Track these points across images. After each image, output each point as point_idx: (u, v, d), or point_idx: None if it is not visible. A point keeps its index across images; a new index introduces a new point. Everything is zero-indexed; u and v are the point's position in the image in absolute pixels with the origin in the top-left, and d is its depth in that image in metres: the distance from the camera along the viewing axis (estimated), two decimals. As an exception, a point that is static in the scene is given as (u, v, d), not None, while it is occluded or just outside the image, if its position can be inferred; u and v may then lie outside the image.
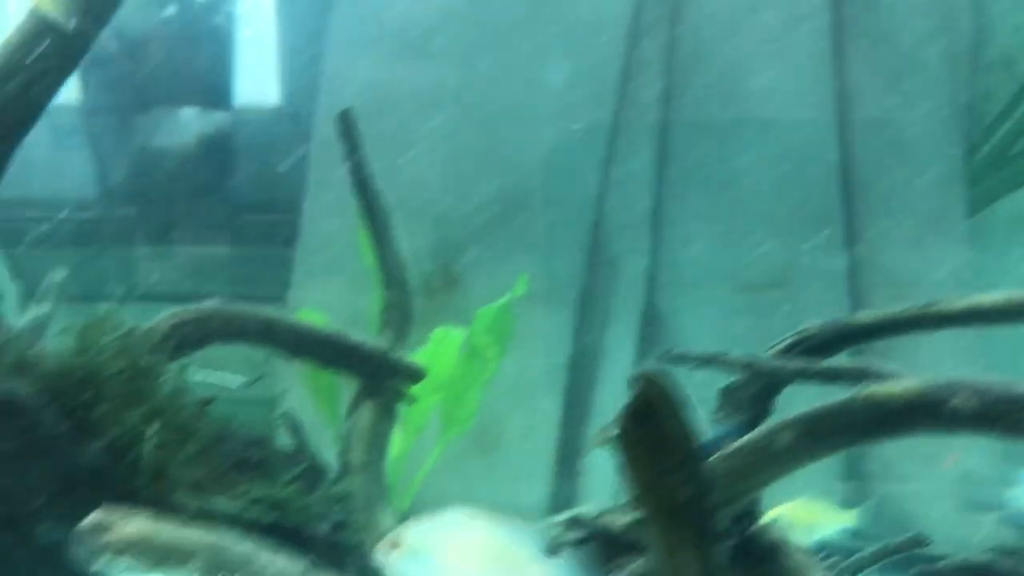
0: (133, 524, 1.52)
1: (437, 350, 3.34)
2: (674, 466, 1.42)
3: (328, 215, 4.54)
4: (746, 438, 1.68)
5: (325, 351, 3.04)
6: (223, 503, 2.20)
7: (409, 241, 3.38)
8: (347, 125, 3.33)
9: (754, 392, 2.03)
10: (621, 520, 2.39)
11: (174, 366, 2.33)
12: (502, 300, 3.48)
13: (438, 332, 3.34)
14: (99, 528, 1.50)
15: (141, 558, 1.44)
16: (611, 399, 4.47)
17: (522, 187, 4.28)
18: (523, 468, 4.21)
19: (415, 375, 3.10)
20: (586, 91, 4.31)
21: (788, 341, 2.15)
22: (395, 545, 1.75)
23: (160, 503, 2.20)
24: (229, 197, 5.91)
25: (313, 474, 2.53)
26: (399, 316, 3.33)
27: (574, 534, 2.42)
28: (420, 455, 3.67)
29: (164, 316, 2.57)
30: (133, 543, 1.46)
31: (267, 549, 1.71)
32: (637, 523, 2.37)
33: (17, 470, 2.10)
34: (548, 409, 4.29)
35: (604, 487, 4.50)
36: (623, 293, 4.39)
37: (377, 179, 3.33)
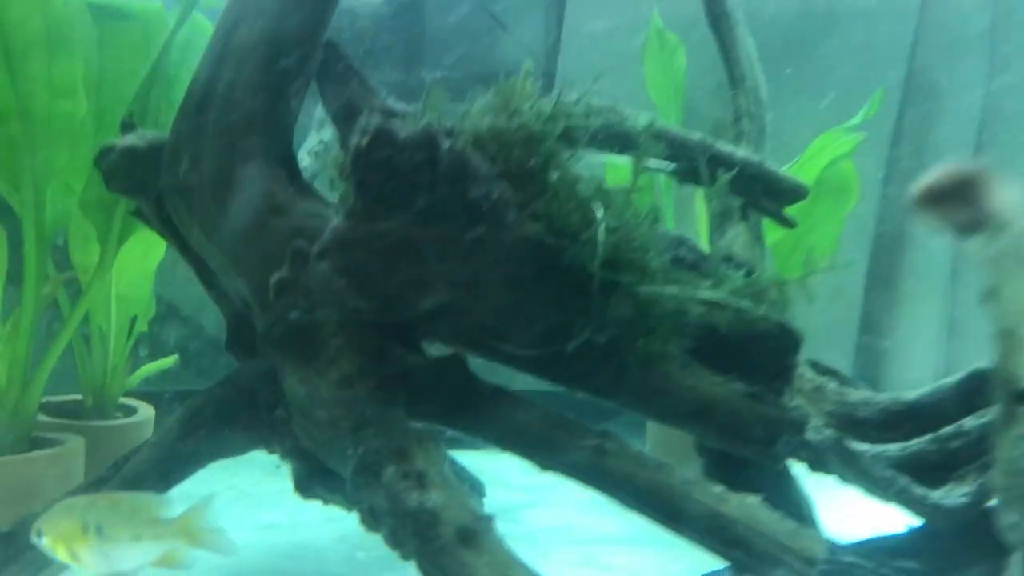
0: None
1: (807, 164, 2.82)
2: None
3: (584, 58, 4.04)
4: None
5: (691, 159, 2.58)
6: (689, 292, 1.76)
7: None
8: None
9: None
10: None
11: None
12: (855, 119, 2.94)
13: (821, 139, 2.81)
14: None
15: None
16: (924, 261, 3.92)
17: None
18: (824, 337, 3.68)
19: (795, 192, 2.61)
20: None
21: None
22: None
23: (612, 288, 1.79)
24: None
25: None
26: (755, 127, 2.85)
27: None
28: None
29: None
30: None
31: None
32: None
33: (466, 245, 1.69)
34: (852, 269, 3.77)
35: (910, 363, 3.99)
36: (948, 128, 3.80)
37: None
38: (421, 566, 1.62)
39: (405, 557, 1.81)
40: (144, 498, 1.72)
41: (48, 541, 1.59)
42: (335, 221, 1.74)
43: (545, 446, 1.84)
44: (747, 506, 1.71)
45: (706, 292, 1.73)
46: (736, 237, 2.58)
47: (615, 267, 1.77)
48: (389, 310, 1.76)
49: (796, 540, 1.67)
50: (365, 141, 1.62)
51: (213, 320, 3.98)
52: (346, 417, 1.77)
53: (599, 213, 1.76)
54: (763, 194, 2.55)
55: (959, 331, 3.94)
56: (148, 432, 2.94)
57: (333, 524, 2.85)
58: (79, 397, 2.98)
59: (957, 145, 3.77)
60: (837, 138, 2.86)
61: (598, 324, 1.77)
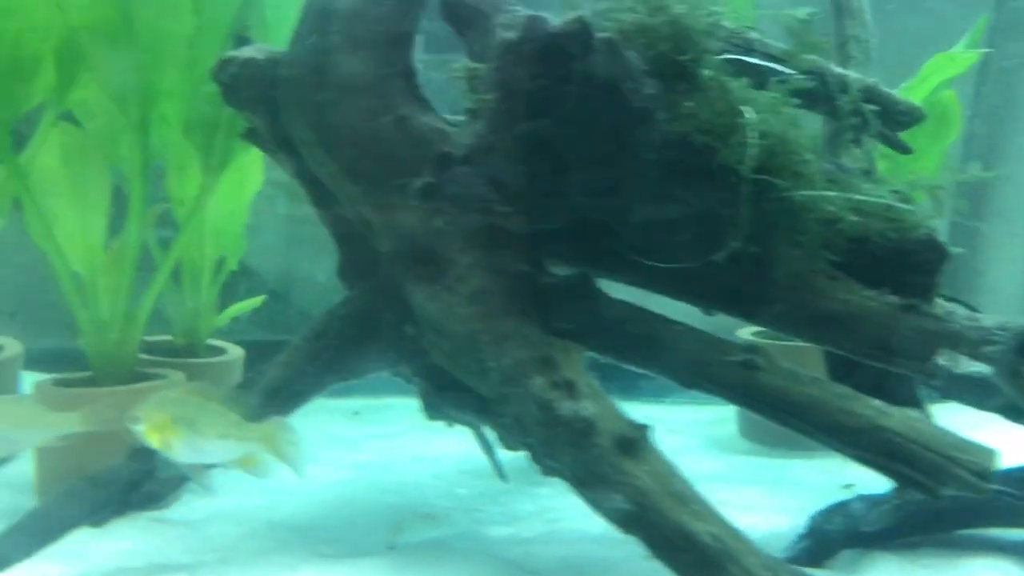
0: None
1: (917, 87, 2.70)
2: None
3: None
4: None
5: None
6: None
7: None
8: None
9: None
10: None
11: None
12: (957, 46, 2.80)
13: (933, 61, 2.68)
14: None
15: None
16: (1013, 202, 3.76)
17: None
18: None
19: (911, 115, 2.51)
20: None
21: None
22: None
23: (764, 194, 1.72)
24: None
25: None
26: (861, 49, 2.75)
27: None
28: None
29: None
30: None
31: None
32: None
33: (613, 146, 1.61)
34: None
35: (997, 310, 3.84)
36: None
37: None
38: (576, 475, 1.56)
39: (548, 472, 1.74)
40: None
41: (145, 428, 1.65)
42: (476, 125, 1.67)
43: (690, 364, 1.77)
44: (910, 419, 1.64)
45: (868, 193, 1.65)
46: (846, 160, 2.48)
47: (768, 171, 1.69)
48: (531, 218, 1.70)
49: (966, 452, 1.60)
50: (514, 33, 1.55)
51: (272, 273, 3.93)
52: (485, 330, 1.71)
53: (750, 115, 1.69)
54: (878, 117, 2.47)
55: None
56: (240, 371, 2.89)
57: (426, 463, 2.80)
58: (169, 338, 2.94)
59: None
60: (948, 61, 2.72)
61: (749, 233, 1.71)
